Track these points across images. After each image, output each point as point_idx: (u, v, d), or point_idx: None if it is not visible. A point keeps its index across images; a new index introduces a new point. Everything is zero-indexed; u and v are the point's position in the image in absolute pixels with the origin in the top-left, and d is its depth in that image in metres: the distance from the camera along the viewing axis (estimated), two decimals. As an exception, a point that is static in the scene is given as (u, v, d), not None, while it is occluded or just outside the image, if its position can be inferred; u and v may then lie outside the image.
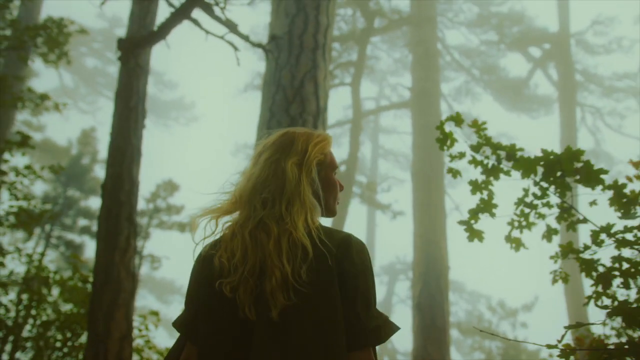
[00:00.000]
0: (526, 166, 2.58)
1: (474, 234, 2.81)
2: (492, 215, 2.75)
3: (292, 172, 1.45)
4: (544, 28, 16.17)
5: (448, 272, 12.10)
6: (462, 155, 2.99)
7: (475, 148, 2.94)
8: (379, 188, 14.91)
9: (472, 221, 2.79)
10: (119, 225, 5.46)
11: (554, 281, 2.89)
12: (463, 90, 19.64)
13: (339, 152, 22.97)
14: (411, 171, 12.83)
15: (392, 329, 1.39)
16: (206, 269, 1.42)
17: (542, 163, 2.60)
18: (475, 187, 2.88)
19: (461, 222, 2.80)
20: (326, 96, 6.81)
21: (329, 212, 1.56)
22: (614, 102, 17.09)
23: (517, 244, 2.98)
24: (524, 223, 2.98)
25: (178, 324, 1.47)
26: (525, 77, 17.49)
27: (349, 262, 1.37)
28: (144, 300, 26.74)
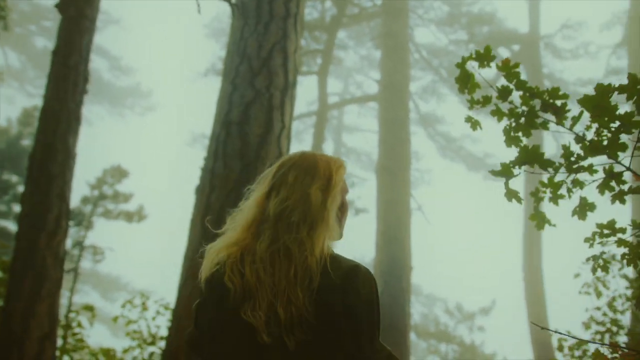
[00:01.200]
0: (599, 100, 1.94)
1: (511, 193, 2.19)
2: (547, 166, 2.11)
3: (317, 197, 1.44)
4: (514, 29, 16.07)
5: (411, 273, 11.62)
6: (487, 100, 2.36)
7: (504, 93, 2.32)
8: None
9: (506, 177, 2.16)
10: (48, 203, 4.61)
11: (594, 270, 2.29)
12: (429, 89, 19.35)
13: (301, 147, 22.28)
14: (376, 167, 12.30)
15: None
16: (217, 291, 1.40)
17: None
18: (510, 138, 2.26)
19: (494, 172, 2.18)
20: (296, 71, 6.13)
21: (340, 236, 1.57)
22: (577, 109, 17.04)
23: (541, 221, 2.38)
24: (543, 194, 2.38)
25: (188, 340, 1.51)
26: (492, 78, 17.25)
27: (354, 293, 1.36)
28: (86, 297, 25.20)
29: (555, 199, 2.38)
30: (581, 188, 2.27)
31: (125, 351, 5.64)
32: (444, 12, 17.75)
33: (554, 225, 2.43)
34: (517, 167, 2.13)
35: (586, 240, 2.33)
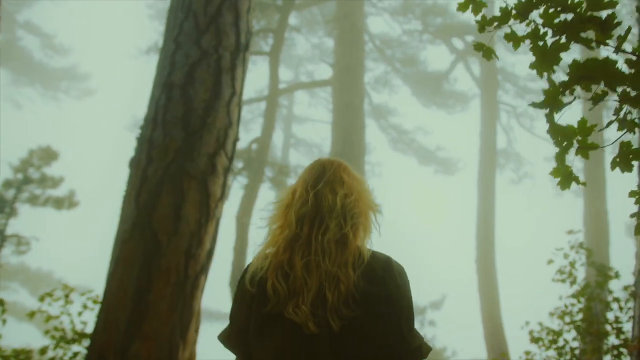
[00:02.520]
0: None
1: (556, 130, 1.64)
2: (618, 81, 1.57)
3: (368, 195, 1.63)
4: (468, 20, 15.93)
5: (364, 265, 11.13)
6: (506, 15, 1.82)
7: (526, 7, 1.77)
8: (293, 174, 13.73)
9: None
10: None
11: (637, 231, 1.77)
12: (382, 80, 19.02)
13: (250, 136, 21.47)
14: (330, 153, 11.76)
15: (429, 348, 1.52)
16: (260, 294, 1.46)
17: None
18: (543, 60, 1.71)
19: (536, 104, 1.64)
20: (249, 33, 5.45)
21: None
22: (526, 104, 17.20)
23: (566, 178, 1.85)
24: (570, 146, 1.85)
25: (225, 338, 1.56)
26: (445, 70, 17.15)
27: (393, 284, 1.47)
28: (15, 294, 23.33)
29: (584, 150, 1.85)
30: (631, 131, 1.75)
31: (43, 352, 4.82)
32: (398, 2, 17.47)
33: (584, 184, 1.90)
34: (567, 92, 1.58)
35: (632, 194, 1.82)
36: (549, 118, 1.61)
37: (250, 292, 1.47)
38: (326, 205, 1.51)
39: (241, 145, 13.06)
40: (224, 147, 4.82)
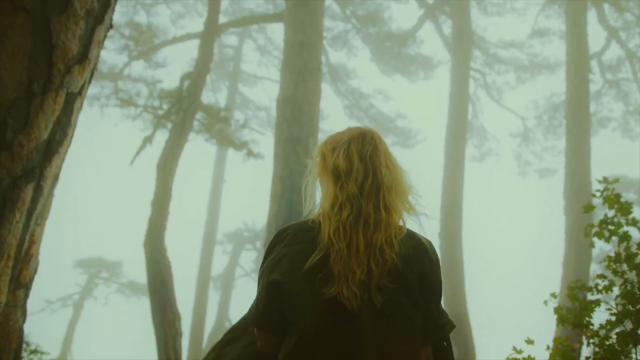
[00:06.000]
0: None
1: None
2: None
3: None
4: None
5: (311, 232, 9.38)
6: None
7: None
8: (235, 126, 11.67)
9: None
10: None
11: None
12: (341, 39, 17.20)
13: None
14: (277, 100, 9.86)
15: (453, 326, 1.59)
16: (303, 259, 1.48)
17: None
18: None
19: None
20: None
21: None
22: (495, 74, 15.91)
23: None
24: None
25: (257, 320, 1.55)
26: (412, 28, 15.47)
27: (429, 262, 1.51)
28: None
29: None
30: None
31: None
32: (364, -51, 15.65)
33: None
34: None
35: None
36: None
37: (292, 259, 1.48)
38: (385, 181, 1.51)
39: (171, 84, 10.99)
40: (94, -23, 2.82)
